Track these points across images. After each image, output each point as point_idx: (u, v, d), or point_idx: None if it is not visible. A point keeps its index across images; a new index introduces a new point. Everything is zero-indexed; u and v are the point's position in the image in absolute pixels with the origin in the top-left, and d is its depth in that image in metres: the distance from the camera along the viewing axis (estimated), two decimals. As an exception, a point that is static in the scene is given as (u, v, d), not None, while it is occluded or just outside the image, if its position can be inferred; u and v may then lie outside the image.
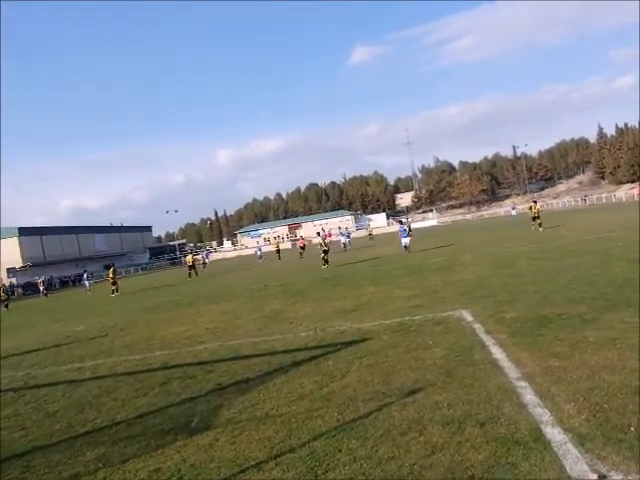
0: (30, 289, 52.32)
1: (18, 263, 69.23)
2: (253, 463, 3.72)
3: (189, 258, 34.24)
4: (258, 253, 47.25)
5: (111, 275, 27.92)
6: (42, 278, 44.05)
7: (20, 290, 56.35)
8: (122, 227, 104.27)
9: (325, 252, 22.67)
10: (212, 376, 6.40)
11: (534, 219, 26.02)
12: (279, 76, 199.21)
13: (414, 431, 3.81)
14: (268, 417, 4.61)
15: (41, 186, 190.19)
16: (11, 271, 66.27)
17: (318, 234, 25.16)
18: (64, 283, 61.67)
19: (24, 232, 74.53)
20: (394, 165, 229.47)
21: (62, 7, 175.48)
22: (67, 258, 76.70)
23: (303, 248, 36.50)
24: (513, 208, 53.86)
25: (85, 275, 37.21)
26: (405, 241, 24.23)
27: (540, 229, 24.58)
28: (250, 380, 5.91)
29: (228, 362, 7.04)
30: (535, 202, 28.57)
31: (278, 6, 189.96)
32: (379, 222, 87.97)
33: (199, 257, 45.92)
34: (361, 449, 3.66)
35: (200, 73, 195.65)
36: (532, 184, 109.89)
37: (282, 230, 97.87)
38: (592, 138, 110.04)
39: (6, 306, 30.73)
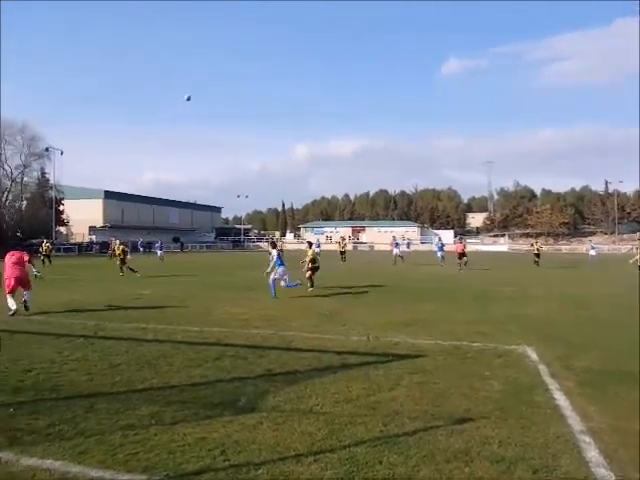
0: (106, 248, 55.63)
1: (99, 223, 74.31)
2: (293, 454, 3.77)
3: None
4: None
5: (118, 250, 22.78)
6: (114, 240, 46.55)
7: (97, 247, 60.05)
8: (195, 205, 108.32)
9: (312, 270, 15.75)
10: (263, 361, 6.54)
11: None
12: (365, 78, 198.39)
13: (460, 461, 3.69)
14: (312, 412, 4.65)
15: (128, 156, 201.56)
16: (92, 229, 71.31)
17: (310, 244, 17.58)
18: (135, 248, 64.92)
19: (109, 196, 79.80)
20: (470, 183, 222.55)
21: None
22: (142, 225, 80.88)
23: (463, 255, 26.75)
24: (592, 247, 48.34)
25: (159, 244, 39.07)
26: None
27: None
28: (299, 373, 5.99)
29: (279, 351, 7.16)
30: None
31: (373, 9, 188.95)
32: (446, 239, 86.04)
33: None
34: (402, 466, 3.60)
35: (288, 68, 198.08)
36: (622, 225, 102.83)
37: (345, 231, 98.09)
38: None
39: (49, 262, 29.68)
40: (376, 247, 76.84)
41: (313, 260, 15.78)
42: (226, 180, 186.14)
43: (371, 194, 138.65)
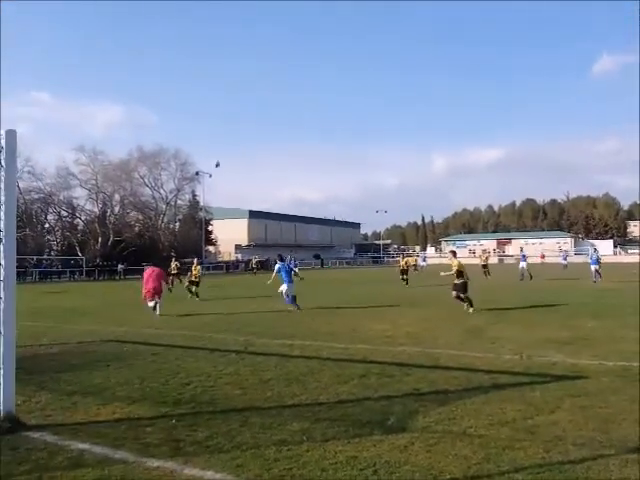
0: (249, 266, 59.41)
1: (244, 242, 79.94)
2: (448, 477, 3.61)
3: (404, 262, 28.15)
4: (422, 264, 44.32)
5: (195, 271, 20.36)
6: (255, 258, 51.35)
7: (243, 265, 64.56)
8: (334, 221, 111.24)
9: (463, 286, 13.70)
10: (409, 379, 6.43)
11: None
12: (506, 80, 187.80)
13: (640, 496, 3.26)
14: (465, 435, 4.43)
15: (267, 176, 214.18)
16: (238, 248, 76.92)
17: (454, 253, 15.94)
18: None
19: (253, 215, 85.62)
20: (631, 188, 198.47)
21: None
22: (284, 243, 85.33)
23: None
24: None
25: (293, 262, 40.91)
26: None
27: None
28: (448, 392, 5.78)
29: (426, 369, 7.00)
30: None
31: (519, 8, 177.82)
32: (604, 250, 77.22)
33: (412, 260, 40.09)
34: (570, 497, 3.28)
35: (424, 73, 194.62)
36: None
37: (490, 244, 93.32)
38: None
39: (179, 281, 25.13)
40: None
41: (460, 273, 13.63)
42: (364, 195, 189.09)
43: (517, 204, 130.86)
